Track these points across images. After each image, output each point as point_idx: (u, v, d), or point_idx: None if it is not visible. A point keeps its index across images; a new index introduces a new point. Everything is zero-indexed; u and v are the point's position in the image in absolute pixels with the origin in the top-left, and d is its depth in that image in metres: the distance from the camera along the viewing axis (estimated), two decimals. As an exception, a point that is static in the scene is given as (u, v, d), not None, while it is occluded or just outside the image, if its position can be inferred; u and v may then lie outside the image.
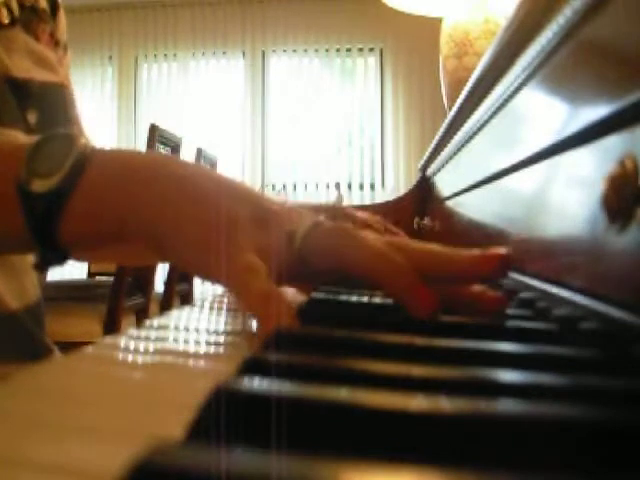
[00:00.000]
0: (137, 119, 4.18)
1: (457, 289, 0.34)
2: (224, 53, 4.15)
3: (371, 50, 4.05)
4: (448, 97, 1.37)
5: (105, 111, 4.19)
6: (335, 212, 0.54)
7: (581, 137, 0.34)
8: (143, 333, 0.31)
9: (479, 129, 0.71)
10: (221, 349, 0.28)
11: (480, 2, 1.27)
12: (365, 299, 0.40)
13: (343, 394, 0.16)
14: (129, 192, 0.35)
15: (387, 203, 1.42)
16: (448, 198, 0.94)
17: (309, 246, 0.34)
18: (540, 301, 0.36)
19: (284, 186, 3.94)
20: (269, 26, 4.07)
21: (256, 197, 0.36)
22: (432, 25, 1.78)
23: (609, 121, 0.30)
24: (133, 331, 0.31)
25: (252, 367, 0.19)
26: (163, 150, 2.02)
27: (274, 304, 0.30)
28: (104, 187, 0.35)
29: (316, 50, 4.05)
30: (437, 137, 1.04)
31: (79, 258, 0.43)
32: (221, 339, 0.30)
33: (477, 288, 0.34)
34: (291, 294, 0.42)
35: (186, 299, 2.55)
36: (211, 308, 0.41)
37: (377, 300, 0.39)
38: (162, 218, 0.34)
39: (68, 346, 0.45)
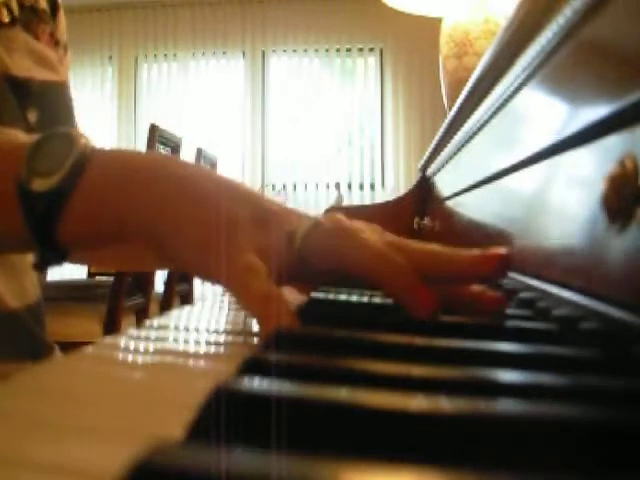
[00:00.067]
0: (137, 119, 4.18)
1: (457, 289, 0.34)
2: (224, 53, 4.15)
3: (371, 50, 4.05)
4: (448, 97, 1.37)
5: (105, 111, 4.19)
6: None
7: (581, 137, 0.34)
8: (143, 333, 0.31)
9: (479, 129, 0.71)
10: (221, 349, 0.28)
11: (480, 2, 1.27)
12: (365, 299, 0.40)
13: (343, 394, 0.16)
14: (129, 192, 0.35)
15: (387, 203, 1.42)
16: (448, 198, 0.94)
17: (309, 246, 0.34)
18: (540, 301, 0.36)
19: (284, 186, 3.94)
20: (269, 26, 4.07)
21: (256, 197, 0.36)
22: (432, 25, 1.78)
23: (609, 121, 0.30)
24: (133, 331, 0.31)
25: (252, 367, 0.19)
26: (163, 150, 2.02)
27: (274, 304, 0.30)
28: (104, 187, 0.35)
29: (316, 50, 4.05)
30: (437, 137, 1.04)
31: (79, 260, 0.43)
32: (221, 339, 0.30)
33: (476, 288, 0.34)
34: (291, 294, 0.42)
35: (186, 299, 2.55)
36: (211, 308, 0.41)
37: (377, 300, 0.39)
38: (162, 218, 0.34)
39: (68, 346, 0.45)
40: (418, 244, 0.35)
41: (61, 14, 0.60)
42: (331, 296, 0.41)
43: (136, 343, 0.28)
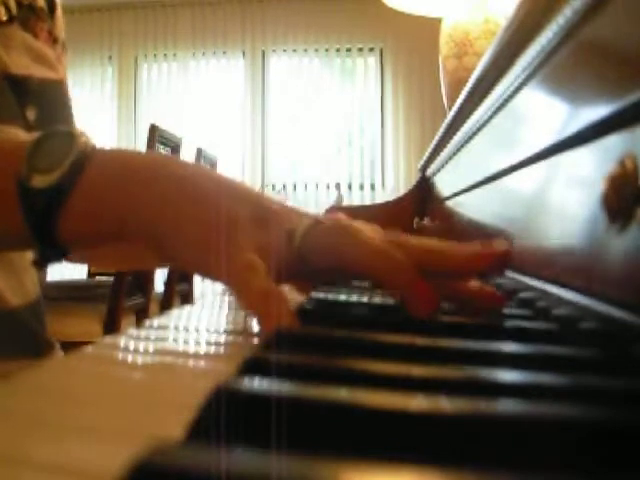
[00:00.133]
0: (137, 119, 4.18)
1: (456, 286, 0.35)
2: (224, 53, 4.15)
3: (371, 50, 4.05)
4: (448, 97, 1.37)
5: (105, 111, 4.19)
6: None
7: (581, 137, 0.34)
8: (143, 333, 0.31)
9: (479, 129, 0.71)
10: (221, 349, 0.28)
11: (480, 2, 1.27)
12: (365, 299, 0.40)
13: (343, 394, 0.16)
14: (129, 192, 0.35)
15: (387, 203, 1.42)
16: (448, 198, 0.94)
17: (309, 244, 0.34)
18: (540, 301, 0.36)
19: (284, 186, 3.94)
20: (269, 26, 4.07)
21: (256, 197, 0.36)
22: (432, 25, 1.78)
23: (609, 121, 0.30)
24: (133, 331, 0.31)
25: (252, 367, 0.19)
26: (163, 150, 2.02)
27: (274, 303, 0.30)
28: (104, 186, 0.36)
29: (316, 50, 4.05)
30: (437, 137, 1.04)
31: (78, 258, 0.43)
32: (221, 339, 0.30)
33: (475, 286, 0.34)
34: (290, 294, 0.42)
35: (186, 299, 2.55)
36: (211, 308, 0.41)
37: (377, 300, 0.39)
38: (162, 218, 0.34)
39: (68, 346, 0.45)
40: (417, 240, 0.35)
41: (59, 12, 0.60)
42: (331, 296, 0.41)
43: (136, 343, 0.28)
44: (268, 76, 4.12)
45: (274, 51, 4.11)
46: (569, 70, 0.39)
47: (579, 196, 0.35)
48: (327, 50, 4.05)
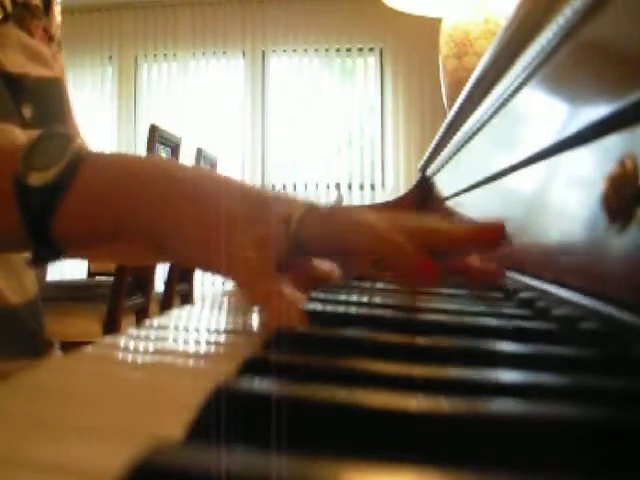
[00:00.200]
0: (137, 119, 4.18)
1: (455, 262, 0.36)
2: (224, 53, 4.15)
3: (371, 50, 4.05)
4: (448, 97, 1.37)
5: (105, 111, 4.19)
6: None
7: (581, 137, 0.34)
8: (143, 333, 0.31)
9: (479, 129, 0.71)
10: (221, 349, 0.28)
11: (480, 2, 1.27)
12: (365, 299, 0.40)
13: (343, 394, 0.16)
14: (128, 192, 0.35)
15: (387, 203, 1.42)
16: (448, 198, 0.94)
17: (305, 230, 0.34)
18: (540, 301, 0.36)
19: (284, 186, 3.94)
20: (269, 26, 4.07)
21: (254, 192, 0.36)
22: (432, 25, 1.78)
23: (609, 121, 0.30)
24: (133, 331, 0.31)
25: (252, 367, 0.19)
26: (163, 150, 2.02)
27: (280, 299, 0.30)
28: (100, 186, 0.36)
29: (316, 50, 4.05)
30: (437, 137, 1.04)
31: (77, 256, 0.43)
32: (221, 339, 0.30)
33: (475, 262, 0.35)
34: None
35: (186, 299, 2.55)
36: (211, 308, 0.41)
37: (377, 300, 0.39)
38: (162, 218, 0.35)
39: (68, 346, 0.45)
40: (416, 220, 0.35)
41: (54, 10, 0.60)
42: (331, 296, 0.41)
43: (136, 343, 0.28)
44: (268, 76, 4.12)
45: (274, 51, 4.11)
46: (569, 70, 0.39)
47: (579, 196, 0.35)
48: (327, 50, 4.05)
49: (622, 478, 0.14)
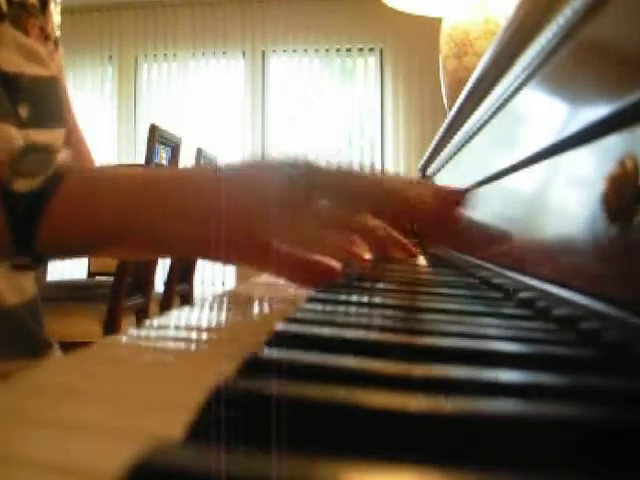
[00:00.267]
0: (137, 119, 4.18)
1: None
2: (224, 53, 4.15)
3: (371, 50, 4.05)
4: (448, 97, 1.37)
5: (105, 111, 4.19)
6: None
7: (581, 137, 0.34)
8: (143, 333, 0.31)
9: (479, 129, 0.71)
10: (221, 348, 0.28)
11: (480, 2, 1.27)
12: (365, 299, 0.40)
13: (343, 394, 0.16)
14: (125, 196, 0.37)
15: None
16: (448, 198, 0.93)
17: (312, 181, 0.39)
18: (540, 301, 0.36)
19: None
20: (269, 26, 4.07)
21: (251, 178, 0.38)
22: (432, 25, 1.78)
23: (609, 121, 0.30)
24: (133, 331, 0.31)
25: (252, 367, 0.19)
26: (163, 150, 2.02)
27: (303, 272, 0.37)
28: (87, 193, 0.38)
29: (316, 50, 4.05)
30: (437, 137, 1.04)
31: (75, 257, 0.44)
32: (221, 338, 0.30)
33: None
34: (284, 291, 0.44)
35: (186, 299, 2.55)
36: (211, 308, 0.41)
37: (377, 300, 0.39)
38: (163, 217, 0.35)
39: (68, 346, 0.45)
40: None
41: (51, 8, 0.60)
42: (331, 296, 0.41)
43: (136, 343, 0.28)
44: (268, 76, 4.13)
45: (274, 51, 4.11)
46: (569, 70, 0.39)
47: (579, 196, 0.35)
48: (327, 50, 4.05)
49: (622, 478, 0.14)
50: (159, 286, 2.30)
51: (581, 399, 0.17)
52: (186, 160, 2.28)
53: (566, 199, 0.37)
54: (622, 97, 0.29)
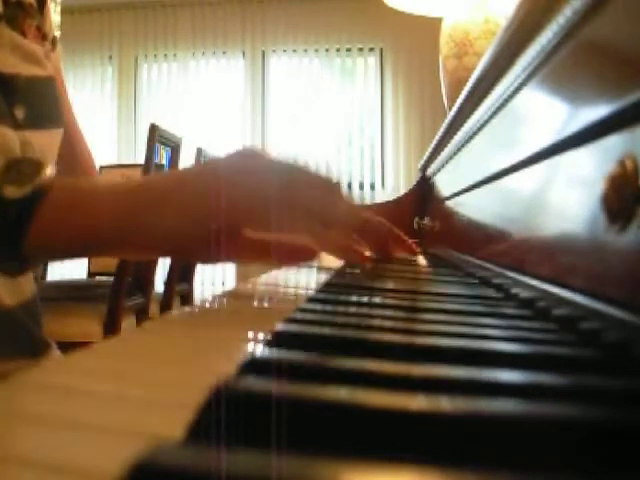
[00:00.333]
0: (137, 119, 4.18)
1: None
2: (224, 53, 4.14)
3: (371, 50, 4.04)
4: (448, 97, 1.37)
5: (105, 111, 4.19)
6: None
7: (581, 137, 0.34)
8: (140, 332, 0.31)
9: (479, 129, 0.71)
10: (221, 348, 0.28)
11: (480, 2, 1.27)
12: (365, 299, 0.40)
13: (343, 394, 0.16)
14: (123, 202, 0.38)
15: (387, 203, 1.42)
16: (448, 198, 0.94)
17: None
18: (540, 301, 0.36)
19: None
20: (269, 26, 4.07)
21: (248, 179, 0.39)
22: (432, 25, 1.78)
23: (609, 121, 0.30)
24: (133, 330, 0.31)
25: (252, 367, 0.19)
26: (163, 150, 2.02)
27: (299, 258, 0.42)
28: (78, 198, 0.39)
29: (316, 50, 4.05)
30: (437, 137, 1.04)
31: (74, 258, 0.45)
32: (221, 338, 0.30)
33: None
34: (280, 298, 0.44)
35: (186, 299, 2.55)
36: (211, 308, 0.41)
37: (377, 300, 0.39)
38: (164, 217, 0.35)
39: (68, 346, 0.45)
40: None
41: (49, 7, 0.60)
42: (331, 296, 0.41)
43: (136, 342, 0.28)
44: (268, 76, 4.12)
45: (274, 51, 4.11)
46: (569, 70, 0.39)
47: (579, 196, 0.35)
48: (327, 50, 4.05)
49: (622, 478, 0.14)
50: (159, 286, 2.30)
51: (581, 399, 0.17)
52: (186, 160, 2.28)
53: (566, 199, 0.37)
54: (622, 97, 0.29)
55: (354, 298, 0.40)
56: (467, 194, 0.76)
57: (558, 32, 0.40)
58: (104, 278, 2.49)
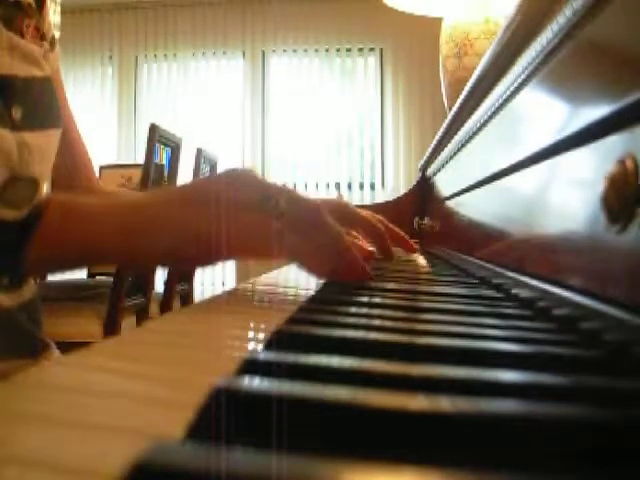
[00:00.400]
0: (137, 119, 4.18)
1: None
2: (224, 53, 4.15)
3: (371, 50, 4.05)
4: (448, 97, 1.37)
5: (105, 111, 4.19)
6: (340, 209, 0.57)
7: (581, 137, 0.34)
8: (143, 333, 0.31)
9: (479, 129, 0.71)
10: (221, 348, 0.28)
11: (480, 2, 1.27)
12: (365, 299, 0.40)
13: (343, 394, 0.16)
14: (125, 218, 0.39)
15: (387, 203, 1.42)
16: (448, 198, 0.94)
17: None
18: (540, 301, 0.36)
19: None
20: (269, 26, 4.07)
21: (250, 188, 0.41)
22: (432, 25, 1.78)
23: (609, 121, 0.30)
24: (132, 330, 0.31)
25: (252, 367, 0.19)
26: (163, 150, 2.02)
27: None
28: (75, 215, 0.40)
29: (316, 50, 4.05)
30: (437, 137, 1.05)
31: (76, 269, 0.46)
32: (222, 338, 0.30)
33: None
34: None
35: (186, 299, 2.55)
36: (211, 309, 0.41)
37: (377, 300, 0.39)
38: (156, 241, 0.37)
39: (68, 346, 0.45)
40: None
41: (47, 7, 0.60)
42: (331, 296, 0.41)
43: (136, 342, 0.28)
44: (268, 76, 4.12)
45: (274, 51, 4.11)
46: (569, 70, 0.39)
47: (579, 196, 0.35)
48: (327, 50, 4.05)
49: (622, 478, 0.14)
50: (159, 286, 2.30)
51: (581, 399, 0.17)
52: (186, 160, 2.28)
53: (566, 199, 0.37)
54: (622, 97, 0.29)
55: (354, 298, 0.40)
56: (467, 194, 0.76)
57: (558, 32, 0.40)
58: (104, 278, 2.49)
